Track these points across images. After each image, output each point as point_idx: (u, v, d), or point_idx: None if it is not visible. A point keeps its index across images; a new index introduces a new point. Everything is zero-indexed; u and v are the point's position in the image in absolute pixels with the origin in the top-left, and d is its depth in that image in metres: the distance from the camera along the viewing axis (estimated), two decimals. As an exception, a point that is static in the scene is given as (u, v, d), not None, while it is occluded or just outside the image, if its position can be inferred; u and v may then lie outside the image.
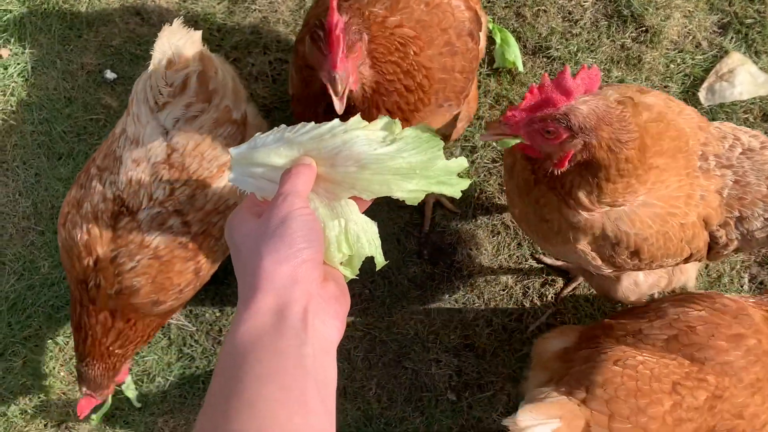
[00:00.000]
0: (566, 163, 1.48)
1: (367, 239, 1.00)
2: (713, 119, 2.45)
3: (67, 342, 2.38)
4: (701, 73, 2.47)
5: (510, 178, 1.84)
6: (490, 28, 2.38)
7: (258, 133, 1.01)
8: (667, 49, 2.48)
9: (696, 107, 2.44)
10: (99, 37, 2.52)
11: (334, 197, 0.99)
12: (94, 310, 1.92)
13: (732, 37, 2.47)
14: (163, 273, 1.89)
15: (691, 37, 2.48)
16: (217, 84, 1.94)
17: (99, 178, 1.90)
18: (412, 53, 1.67)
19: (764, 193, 1.74)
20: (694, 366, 1.79)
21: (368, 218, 1.01)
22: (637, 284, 2.00)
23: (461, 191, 1.03)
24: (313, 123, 0.98)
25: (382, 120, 1.01)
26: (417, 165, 0.99)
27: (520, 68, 2.44)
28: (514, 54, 2.43)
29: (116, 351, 1.98)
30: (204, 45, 1.97)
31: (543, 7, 2.50)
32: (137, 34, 2.51)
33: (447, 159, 1.02)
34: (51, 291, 2.41)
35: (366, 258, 1.01)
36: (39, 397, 2.37)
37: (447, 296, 2.42)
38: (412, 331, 2.40)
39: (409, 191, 0.99)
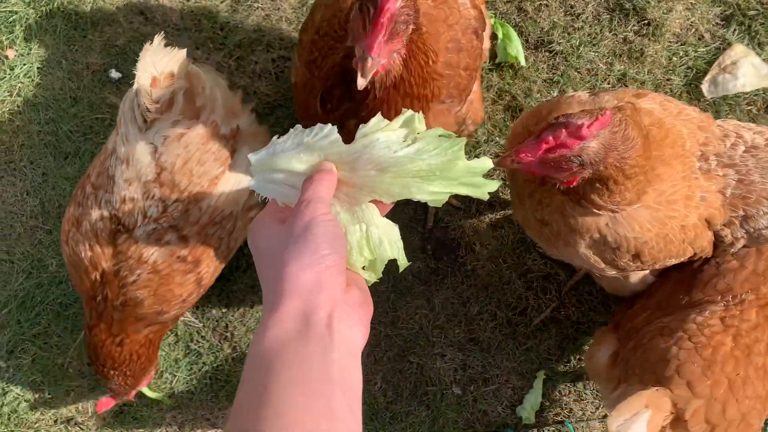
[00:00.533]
0: (575, 182, 1.53)
1: (389, 242, 1.00)
2: (717, 112, 2.45)
3: (75, 339, 2.41)
4: (704, 65, 2.46)
5: (512, 183, 1.85)
6: (492, 23, 2.38)
7: (275, 138, 1.00)
8: (670, 41, 2.48)
9: (699, 100, 2.44)
10: (104, 36, 2.54)
11: (354, 201, 0.98)
12: (96, 328, 1.98)
13: (735, 29, 2.47)
14: (163, 286, 1.92)
15: (693, 30, 2.48)
16: (205, 100, 1.94)
17: (95, 197, 1.92)
18: (431, 61, 1.65)
19: None
20: (726, 296, 1.80)
21: (389, 221, 1.01)
22: (646, 282, 1.99)
23: (489, 193, 1.01)
24: (330, 125, 0.96)
25: (404, 115, 0.99)
26: (437, 167, 0.98)
27: (522, 63, 2.45)
28: (516, 49, 2.43)
29: (109, 371, 2.04)
30: (190, 61, 1.96)
31: (544, 2, 2.50)
32: (141, 33, 2.53)
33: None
34: (59, 289, 2.43)
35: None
36: (48, 394, 2.40)
37: (451, 291, 2.43)
38: (417, 325, 2.41)
39: (431, 193, 0.98)
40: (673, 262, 1.81)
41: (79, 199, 1.97)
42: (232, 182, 1.96)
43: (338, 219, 0.97)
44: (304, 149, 0.97)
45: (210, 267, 1.99)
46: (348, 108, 1.65)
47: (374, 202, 0.99)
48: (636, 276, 1.98)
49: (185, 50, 1.94)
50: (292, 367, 0.81)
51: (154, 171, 1.87)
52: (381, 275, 1.01)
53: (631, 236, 1.67)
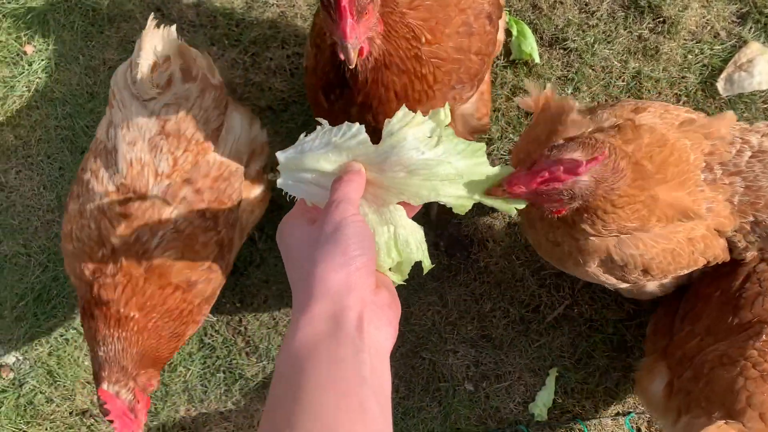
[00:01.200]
0: (563, 212, 1.53)
1: (415, 244, 1.00)
2: (732, 110, 2.43)
3: (91, 332, 2.43)
4: (720, 63, 2.45)
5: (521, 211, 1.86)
6: (507, 20, 2.38)
7: (302, 136, 1.00)
8: (685, 39, 2.47)
9: (714, 98, 2.43)
10: (120, 32, 2.56)
11: (382, 203, 0.99)
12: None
13: (751, 27, 2.46)
14: (188, 247, 1.87)
15: (709, 27, 2.47)
16: (198, 69, 1.98)
17: (96, 179, 1.88)
18: (424, 40, 1.65)
19: None
20: None
21: (415, 223, 1.01)
22: (663, 285, 1.97)
23: (516, 209, 1.06)
24: (358, 125, 0.97)
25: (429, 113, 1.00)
26: (464, 170, 0.99)
27: (537, 60, 2.44)
28: (530, 46, 2.43)
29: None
30: (179, 37, 2.00)
31: (559, -1, 2.50)
32: (158, 29, 2.55)
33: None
34: (75, 282, 2.46)
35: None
36: (64, 386, 2.42)
37: (464, 287, 2.43)
38: (429, 322, 2.41)
39: (458, 197, 0.99)
40: (686, 272, 1.80)
41: (78, 191, 1.92)
42: (232, 135, 1.97)
43: (367, 220, 0.97)
44: (333, 149, 0.97)
45: (227, 231, 1.95)
46: (348, 95, 1.66)
47: (401, 203, 0.99)
48: (653, 283, 1.96)
49: (174, 25, 1.98)
50: (324, 367, 0.81)
51: (158, 124, 1.87)
52: (407, 277, 1.02)
53: (636, 253, 1.67)
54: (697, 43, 2.47)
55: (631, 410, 2.37)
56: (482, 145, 1.00)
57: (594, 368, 2.38)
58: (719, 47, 2.46)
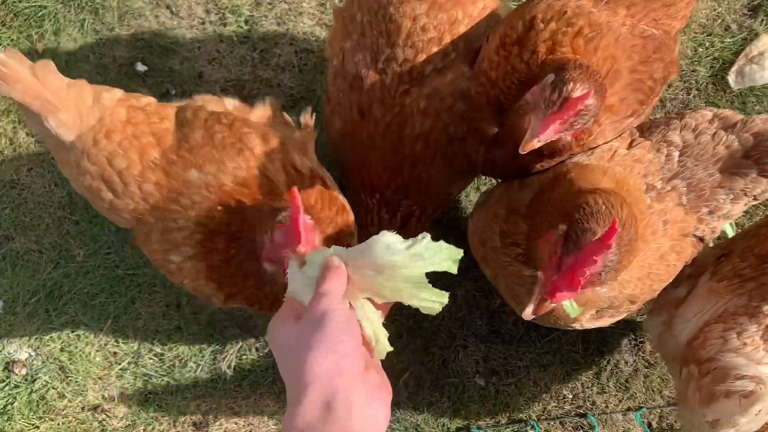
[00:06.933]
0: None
1: (384, 336, 1.04)
2: (744, 103, 2.42)
3: (102, 327, 2.45)
4: (730, 56, 2.43)
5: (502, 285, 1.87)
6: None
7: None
8: (696, 32, 2.45)
9: (725, 91, 2.42)
10: (130, 30, 2.57)
11: (352, 297, 1.04)
12: None
13: (762, 20, 2.44)
14: None
15: (720, 20, 2.45)
16: None
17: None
18: None
19: (718, 179, 1.73)
20: None
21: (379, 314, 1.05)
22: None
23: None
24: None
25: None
26: (431, 275, 1.02)
27: None
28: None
29: None
30: None
31: None
32: (167, 27, 2.56)
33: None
34: (86, 279, 2.47)
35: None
36: (75, 381, 2.44)
37: (473, 283, 2.43)
38: (439, 318, 2.41)
39: (423, 299, 1.02)
40: (670, 280, 1.80)
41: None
42: None
43: None
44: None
45: None
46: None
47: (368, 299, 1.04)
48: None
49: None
50: None
51: None
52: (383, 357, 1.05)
53: (616, 292, 1.68)
54: (707, 36, 2.45)
55: (642, 405, 2.36)
56: (459, 252, 1.02)
57: (604, 363, 2.37)
58: (730, 40, 2.44)
